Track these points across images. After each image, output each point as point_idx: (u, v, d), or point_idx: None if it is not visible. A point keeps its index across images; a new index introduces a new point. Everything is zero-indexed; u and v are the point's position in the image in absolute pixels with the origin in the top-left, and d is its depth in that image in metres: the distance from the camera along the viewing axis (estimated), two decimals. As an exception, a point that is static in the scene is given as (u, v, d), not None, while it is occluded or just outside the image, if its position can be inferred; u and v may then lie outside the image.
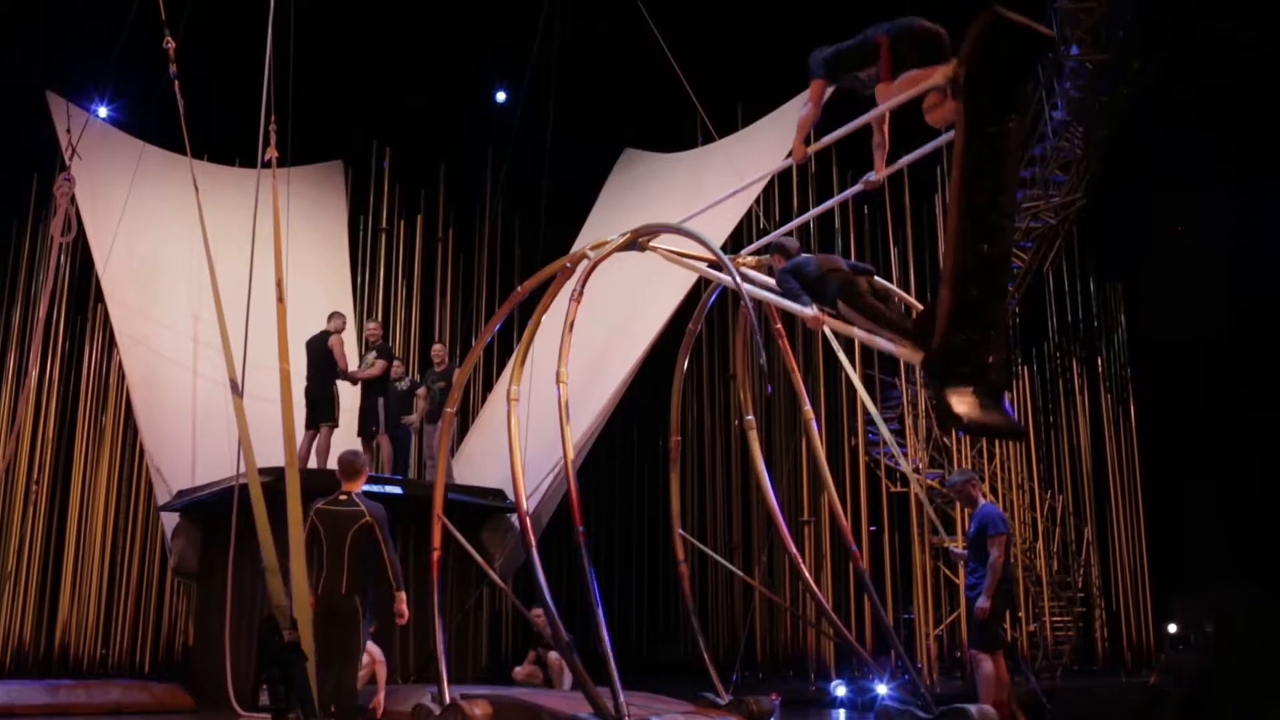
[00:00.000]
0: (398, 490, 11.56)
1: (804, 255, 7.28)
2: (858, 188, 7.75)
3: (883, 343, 5.92)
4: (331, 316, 12.27)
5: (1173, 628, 17.05)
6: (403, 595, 6.78)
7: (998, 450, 15.58)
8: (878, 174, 7.45)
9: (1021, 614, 15.15)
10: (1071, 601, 15.90)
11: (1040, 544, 15.65)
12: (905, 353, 5.67)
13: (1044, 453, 16.67)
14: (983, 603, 7.94)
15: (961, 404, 5.06)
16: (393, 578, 6.69)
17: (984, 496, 8.66)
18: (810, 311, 6.58)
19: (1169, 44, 15.20)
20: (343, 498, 6.73)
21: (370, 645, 9.72)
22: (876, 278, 6.94)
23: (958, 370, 5.11)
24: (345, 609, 6.53)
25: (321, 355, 11.96)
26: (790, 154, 7.52)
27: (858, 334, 6.36)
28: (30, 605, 14.89)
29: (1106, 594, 16.72)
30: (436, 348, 13.55)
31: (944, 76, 5.86)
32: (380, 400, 12.36)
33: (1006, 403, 5.35)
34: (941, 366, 5.13)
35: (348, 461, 7.00)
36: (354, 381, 12.27)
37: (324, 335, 12.05)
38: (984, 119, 5.05)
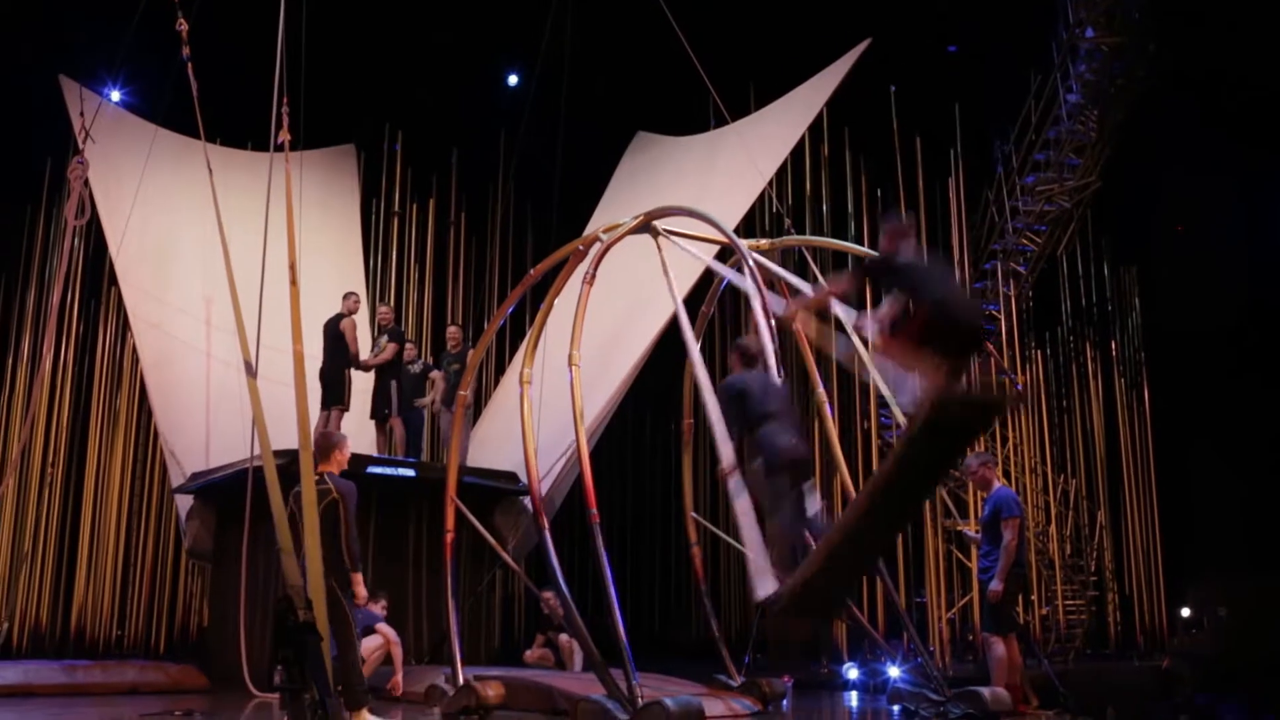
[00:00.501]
0: (411, 473, 11.60)
1: (744, 376, 7.20)
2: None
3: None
4: (345, 297, 12.29)
5: (1186, 611, 17.03)
6: (358, 577, 6.77)
7: (1011, 434, 15.54)
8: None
9: (1034, 597, 15.14)
10: (1084, 585, 15.87)
11: (1053, 528, 15.62)
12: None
13: (1057, 436, 16.63)
14: (995, 585, 7.96)
15: (799, 630, 6.22)
16: (347, 557, 6.70)
17: (999, 480, 8.67)
18: (724, 461, 6.65)
19: (1184, 27, 15.10)
20: (315, 478, 6.68)
21: (384, 627, 9.78)
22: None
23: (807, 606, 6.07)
24: (327, 593, 6.33)
25: (334, 338, 11.98)
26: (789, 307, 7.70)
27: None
28: (47, 587, 14.99)
29: (1119, 577, 16.69)
30: (451, 329, 13.56)
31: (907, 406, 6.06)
32: (393, 383, 12.39)
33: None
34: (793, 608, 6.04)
35: (318, 442, 7.00)
36: (366, 369, 12.30)
37: (338, 318, 12.07)
38: (918, 464, 5.76)
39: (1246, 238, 16.88)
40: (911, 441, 5.55)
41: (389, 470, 11.46)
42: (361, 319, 13.10)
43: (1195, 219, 17.46)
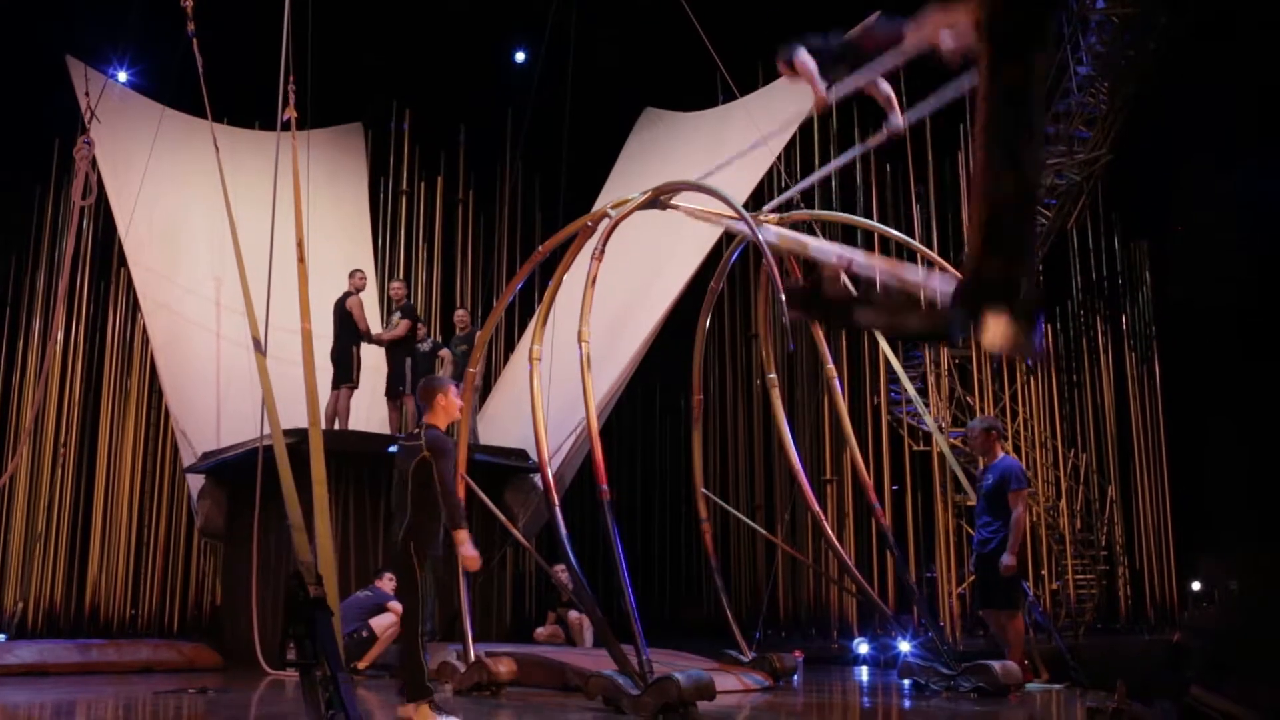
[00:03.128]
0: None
1: None
2: (881, 136, 7.71)
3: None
4: (351, 274, 12.29)
5: (1196, 585, 17.02)
6: (462, 534, 5.97)
7: (1021, 408, 15.52)
8: (900, 122, 7.41)
9: (1045, 571, 15.16)
10: (1095, 559, 15.88)
11: (1064, 502, 15.62)
12: None
13: (1068, 411, 16.60)
14: (1008, 559, 7.90)
15: (997, 328, 5.20)
16: (447, 516, 5.97)
17: (1003, 449, 8.56)
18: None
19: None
20: (415, 431, 6.18)
21: (396, 604, 9.78)
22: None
23: (992, 297, 5.20)
24: (399, 556, 5.98)
25: (342, 316, 11.99)
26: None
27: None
28: (61, 567, 15.08)
29: (1130, 552, 16.69)
30: (460, 313, 13.58)
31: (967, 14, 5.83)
32: (408, 361, 12.40)
33: (1041, 325, 5.58)
34: (975, 295, 5.22)
35: (420, 391, 6.41)
36: (379, 344, 12.30)
37: (345, 296, 12.07)
38: (1008, 54, 5.03)
39: (1258, 211, 16.77)
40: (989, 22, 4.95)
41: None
42: (370, 297, 13.09)
43: (1207, 192, 17.34)
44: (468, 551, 6.00)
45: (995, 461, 8.29)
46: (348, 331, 11.99)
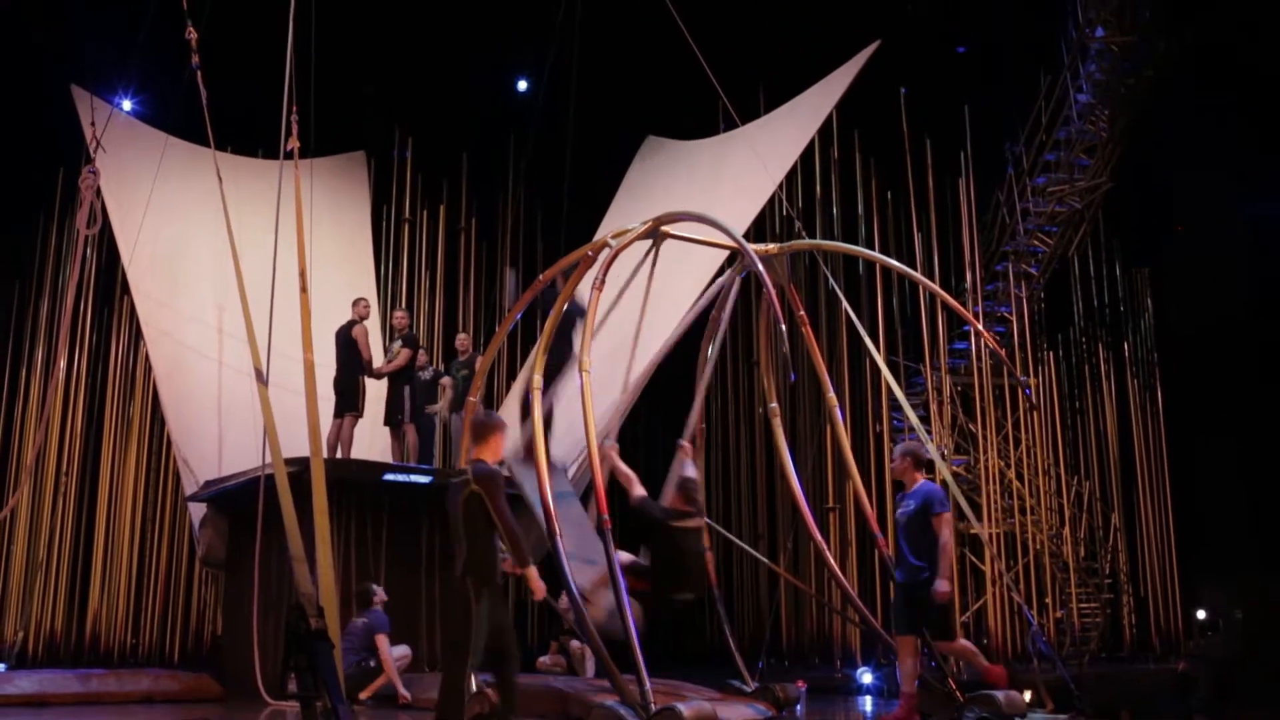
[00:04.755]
0: (426, 479, 11.59)
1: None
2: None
3: None
4: (355, 303, 12.30)
5: (1201, 614, 16.94)
6: (532, 571, 5.90)
7: (1024, 436, 15.49)
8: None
9: (1048, 600, 15.09)
10: (1099, 588, 15.81)
11: (1067, 530, 15.56)
12: None
13: (1070, 438, 16.57)
14: (944, 586, 7.67)
15: None
16: (511, 552, 5.88)
17: (923, 476, 8.27)
18: None
19: (1195, 25, 15.05)
20: (463, 468, 6.17)
21: (382, 636, 9.68)
22: None
23: None
24: (460, 590, 5.99)
25: (346, 345, 11.99)
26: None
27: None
28: (61, 596, 15.04)
29: (1134, 580, 16.62)
30: (461, 337, 13.59)
31: None
32: (406, 389, 12.39)
33: None
34: None
35: (474, 426, 6.38)
36: (379, 377, 12.30)
37: (349, 324, 12.08)
38: None
39: (1259, 237, 16.81)
40: None
41: (402, 477, 11.46)
42: (373, 324, 13.10)
43: (1207, 219, 17.39)
44: (537, 585, 5.99)
45: (915, 488, 8.06)
46: (353, 360, 11.98)
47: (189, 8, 8.65)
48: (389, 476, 11.27)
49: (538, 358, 8.50)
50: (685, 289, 12.09)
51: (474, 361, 12.43)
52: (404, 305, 15.77)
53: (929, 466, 8.50)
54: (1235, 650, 14.89)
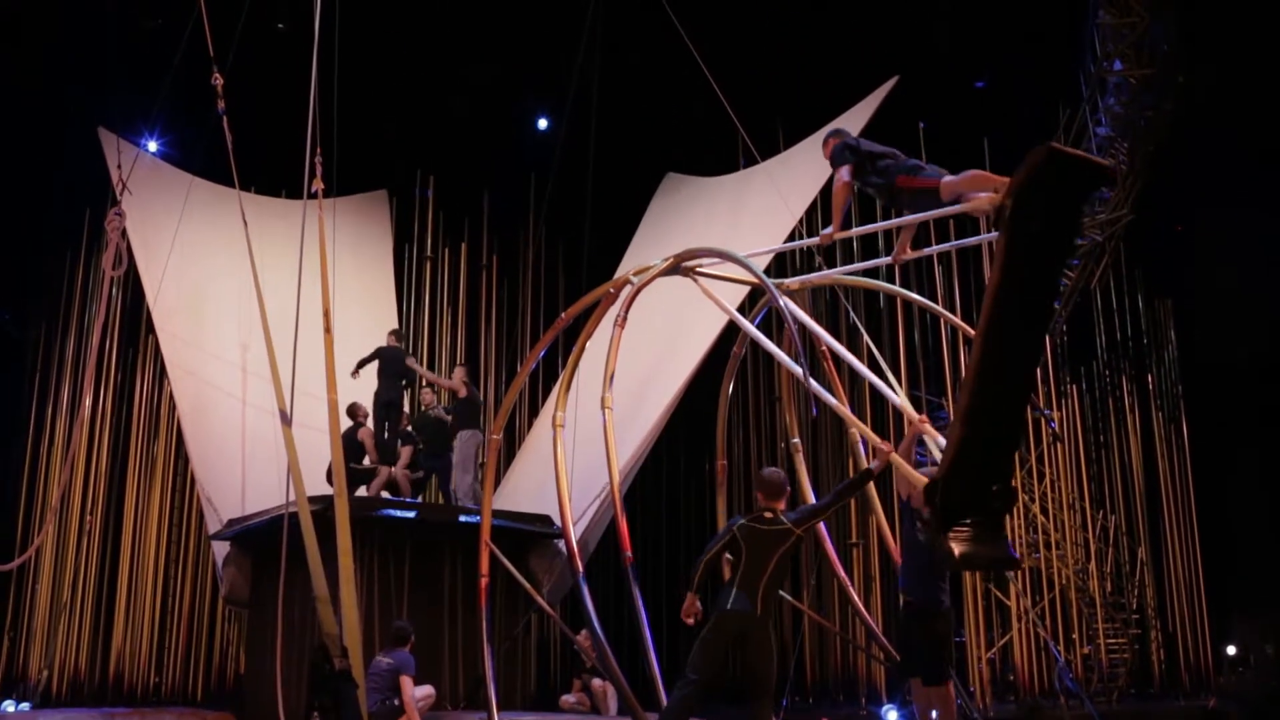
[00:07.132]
0: (411, 514, 11.64)
1: None
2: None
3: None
4: (352, 410, 12.23)
5: (1231, 649, 16.74)
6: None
7: (1048, 470, 15.40)
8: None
9: (1075, 635, 14.94)
10: (1126, 623, 15.64)
11: (1093, 565, 15.43)
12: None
13: (1095, 472, 16.46)
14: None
15: (959, 543, 5.15)
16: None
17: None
18: None
19: (1213, 57, 15.04)
20: (768, 515, 6.48)
21: (406, 677, 9.65)
22: None
23: (961, 508, 5.15)
24: (758, 633, 6.37)
25: (351, 446, 12.03)
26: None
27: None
28: (85, 635, 15.07)
29: (1162, 615, 16.44)
30: (457, 371, 13.52)
31: (990, 203, 6.06)
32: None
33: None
34: (945, 505, 5.13)
35: (768, 480, 6.74)
36: (375, 467, 12.36)
37: (354, 428, 12.11)
38: (1022, 260, 4.68)
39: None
40: (1010, 222, 4.53)
41: (402, 513, 11.52)
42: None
43: (1229, 250, 17.31)
44: None
45: None
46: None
47: (215, 53, 8.77)
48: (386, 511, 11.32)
49: (560, 394, 8.51)
50: (705, 325, 12.12)
51: (474, 398, 12.74)
52: (425, 343, 15.86)
53: None
54: (1269, 686, 14.71)
